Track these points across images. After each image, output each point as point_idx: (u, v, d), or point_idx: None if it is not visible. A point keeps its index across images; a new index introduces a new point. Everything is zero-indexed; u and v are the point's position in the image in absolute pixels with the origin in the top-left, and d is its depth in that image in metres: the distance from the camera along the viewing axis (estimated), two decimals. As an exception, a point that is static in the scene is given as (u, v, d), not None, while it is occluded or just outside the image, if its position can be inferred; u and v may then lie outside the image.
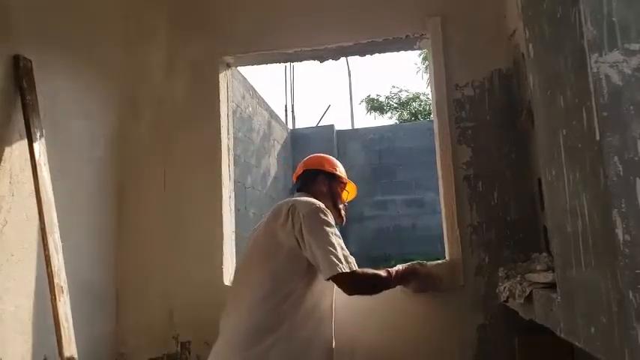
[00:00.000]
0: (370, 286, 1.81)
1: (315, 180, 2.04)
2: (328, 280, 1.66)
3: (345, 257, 1.67)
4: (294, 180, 2.14)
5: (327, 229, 1.70)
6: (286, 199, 1.87)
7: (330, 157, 2.18)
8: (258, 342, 1.61)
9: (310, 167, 2.09)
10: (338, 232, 1.75)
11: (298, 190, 2.04)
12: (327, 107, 20.14)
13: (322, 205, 1.79)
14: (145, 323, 2.46)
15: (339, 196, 2.07)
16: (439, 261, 2.05)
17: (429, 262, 2.03)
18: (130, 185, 2.57)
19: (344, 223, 2.10)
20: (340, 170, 2.11)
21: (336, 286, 1.78)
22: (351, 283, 1.69)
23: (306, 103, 46.86)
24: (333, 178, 2.06)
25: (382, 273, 1.84)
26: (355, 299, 1.96)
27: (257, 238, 1.84)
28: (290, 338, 1.63)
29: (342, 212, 2.07)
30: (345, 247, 1.73)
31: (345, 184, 2.11)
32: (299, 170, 2.13)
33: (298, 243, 1.70)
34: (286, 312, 1.65)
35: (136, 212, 2.55)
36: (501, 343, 2.12)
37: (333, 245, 1.66)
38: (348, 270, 1.65)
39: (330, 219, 1.76)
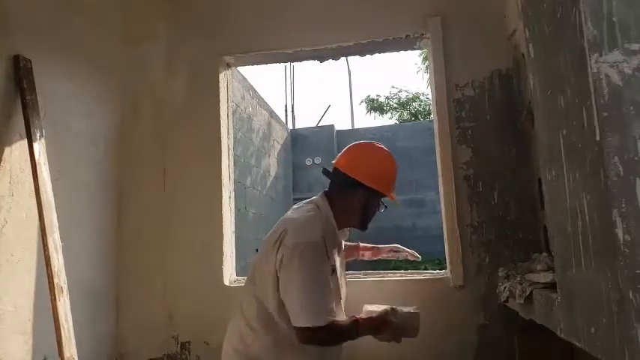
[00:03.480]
0: (335, 342, 1.62)
1: (352, 190, 1.68)
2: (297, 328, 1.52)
3: (312, 309, 1.50)
4: (333, 165, 1.76)
5: (306, 272, 1.50)
6: (288, 216, 1.69)
7: (379, 153, 1.76)
8: None
9: (350, 173, 1.68)
10: (323, 270, 1.56)
11: (330, 186, 1.75)
12: (327, 107, 20.22)
13: (316, 237, 1.55)
14: (145, 323, 2.46)
15: (374, 213, 1.76)
16: (411, 309, 1.75)
17: (401, 309, 1.72)
18: (130, 185, 2.57)
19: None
20: (386, 179, 1.73)
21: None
22: (318, 338, 1.53)
23: (306, 103, 46.89)
24: (374, 192, 1.70)
25: (350, 325, 1.60)
26: (355, 302, 1.96)
27: (261, 251, 1.69)
28: None
29: (368, 225, 1.78)
30: (325, 290, 1.55)
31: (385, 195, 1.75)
32: (339, 162, 1.74)
33: (277, 273, 1.55)
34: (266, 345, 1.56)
35: (136, 212, 2.55)
36: (501, 343, 2.12)
37: (306, 295, 1.50)
38: (322, 324, 1.50)
39: (317, 256, 1.54)
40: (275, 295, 1.55)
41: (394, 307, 1.72)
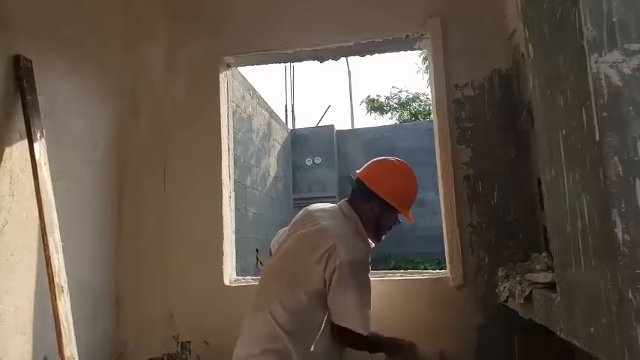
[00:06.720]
0: (359, 347, 1.78)
1: (367, 201, 1.80)
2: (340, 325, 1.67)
3: (365, 316, 1.66)
4: (357, 175, 1.88)
5: (360, 284, 1.65)
6: (328, 227, 1.73)
7: (402, 172, 1.86)
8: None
9: (368, 183, 1.80)
10: (369, 280, 1.70)
11: (351, 195, 1.87)
12: (327, 107, 20.21)
13: (363, 253, 1.69)
14: (145, 323, 2.46)
15: (387, 228, 1.87)
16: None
17: (424, 352, 1.88)
18: (130, 185, 2.57)
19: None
20: (403, 198, 1.81)
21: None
22: (354, 340, 1.72)
23: (306, 103, 46.89)
24: (389, 207, 1.80)
25: (376, 339, 1.78)
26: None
27: (290, 251, 1.76)
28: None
29: (382, 237, 1.89)
30: (369, 299, 1.70)
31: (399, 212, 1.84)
32: (361, 174, 1.87)
33: (325, 284, 1.64)
34: (300, 338, 1.64)
35: (136, 212, 2.55)
36: (501, 343, 2.12)
37: (359, 303, 1.65)
38: (363, 332, 1.67)
39: (367, 267, 1.70)
40: (307, 292, 1.64)
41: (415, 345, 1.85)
